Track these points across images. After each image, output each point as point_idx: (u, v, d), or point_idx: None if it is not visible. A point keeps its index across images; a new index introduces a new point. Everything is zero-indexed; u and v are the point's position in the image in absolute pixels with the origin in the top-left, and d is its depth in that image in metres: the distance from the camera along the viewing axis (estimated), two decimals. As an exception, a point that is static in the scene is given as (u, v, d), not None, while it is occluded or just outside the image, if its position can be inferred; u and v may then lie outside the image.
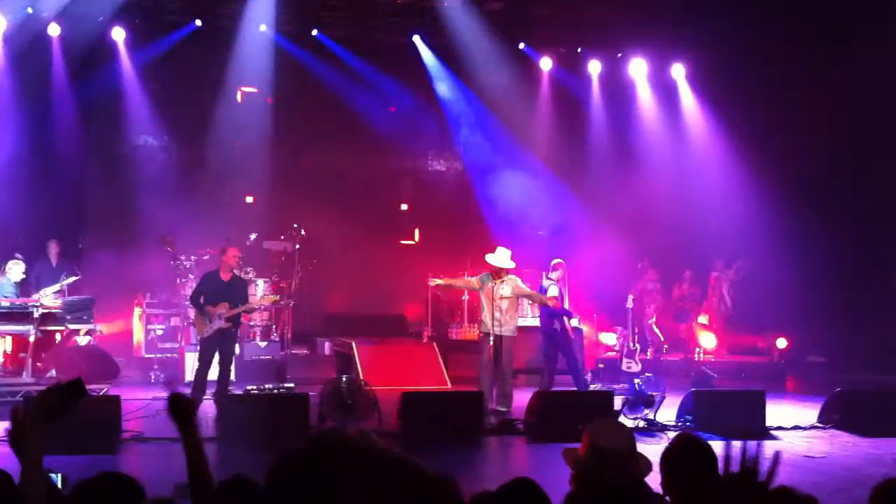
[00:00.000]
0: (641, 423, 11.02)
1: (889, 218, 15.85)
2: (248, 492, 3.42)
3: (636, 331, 15.66)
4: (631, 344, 15.25)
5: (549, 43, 18.15)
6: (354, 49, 17.59)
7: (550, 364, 13.17)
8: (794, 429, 11.39)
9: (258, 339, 15.32)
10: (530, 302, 14.72)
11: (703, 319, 17.43)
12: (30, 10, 15.40)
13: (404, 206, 19.45)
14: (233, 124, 16.84)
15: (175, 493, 5.72)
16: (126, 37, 16.33)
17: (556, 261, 13.46)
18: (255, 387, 11.52)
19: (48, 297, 13.21)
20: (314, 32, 17.34)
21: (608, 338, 16.54)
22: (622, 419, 10.81)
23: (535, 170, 18.19)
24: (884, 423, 10.93)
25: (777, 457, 3.47)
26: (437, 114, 18.56)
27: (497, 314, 12.15)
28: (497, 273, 12.29)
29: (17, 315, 12.57)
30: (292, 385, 12.14)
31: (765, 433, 11.02)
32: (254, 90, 17.26)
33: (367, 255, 17.55)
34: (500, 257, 12.30)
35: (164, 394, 3.42)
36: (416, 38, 17.84)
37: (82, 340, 13.59)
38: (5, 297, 12.96)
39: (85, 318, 13.44)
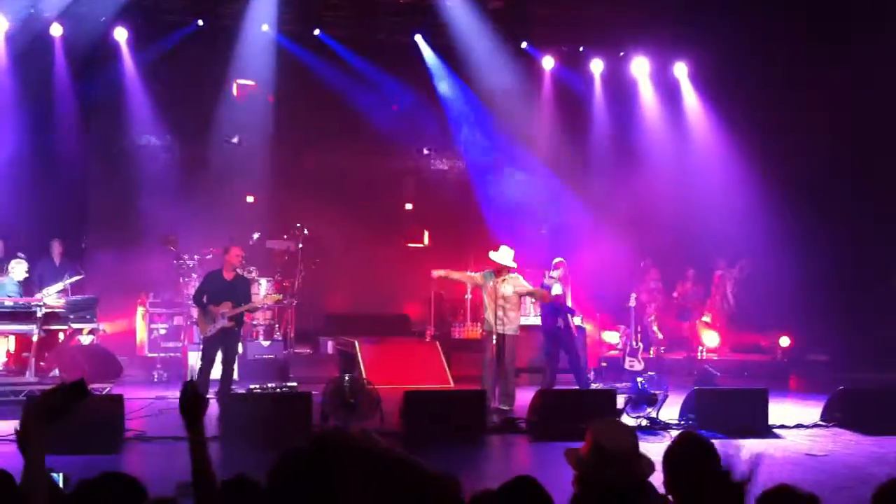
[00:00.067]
0: (644, 422, 11.02)
1: (889, 218, 15.85)
2: (251, 491, 3.43)
3: (639, 329, 15.67)
4: (633, 343, 15.27)
5: (550, 42, 18.15)
6: (356, 48, 17.60)
7: (552, 363, 13.18)
8: (797, 427, 11.39)
9: (261, 338, 15.33)
10: (532, 301, 14.73)
11: (706, 318, 17.43)
12: (32, 11, 15.40)
13: (409, 206, 19.43)
14: (235, 124, 16.85)
15: (177, 493, 5.73)
16: (128, 37, 16.35)
17: (557, 259, 13.46)
18: (257, 386, 11.54)
19: (51, 297, 13.22)
20: (316, 32, 17.35)
21: (611, 336, 16.54)
22: (625, 418, 10.83)
23: (536, 169, 18.20)
24: (886, 422, 10.93)
25: (757, 459, 3.49)
26: (438, 113, 18.56)
27: (500, 313, 12.15)
28: (499, 271, 12.29)
29: (21, 314, 12.58)
30: (295, 384, 12.16)
31: (767, 431, 11.04)
32: (250, 83, 17.23)
33: (369, 254, 17.56)
34: (503, 255, 12.31)
35: (175, 393, 3.44)
36: (418, 38, 17.84)
37: (85, 340, 13.60)
38: (8, 296, 12.97)
39: (88, 317, 13.46)
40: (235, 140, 15.91)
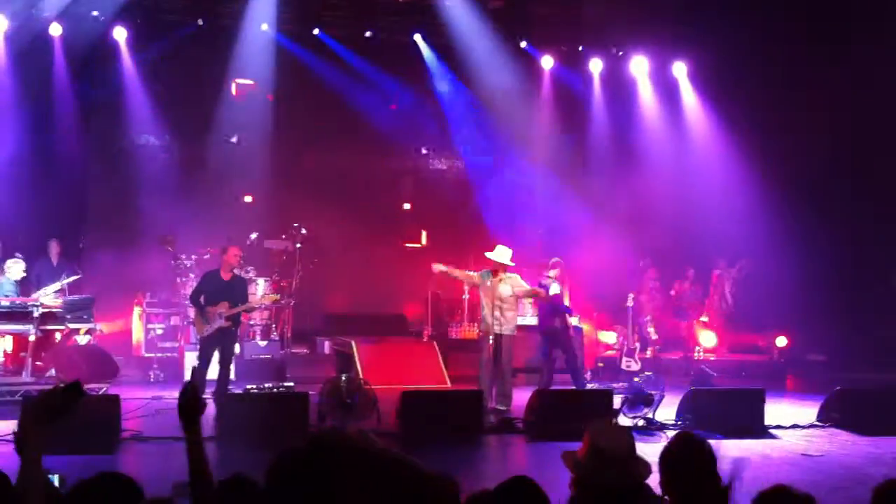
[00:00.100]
0: (641, 423, 11.02)
1: (889, 218, 15.86)
2: (248, 491, 3.43)
3: (636, 330, 15.67)
4: (631, 343, 15.27)
5: (550, 41, 18.16)
6: (355, 48, 17.60)
7: (549, 363, 13.18)
8: (794, 427, 11.39)
9: (258, 338, 15.32)
10: (530, 301, 14.72)
11: (704, 318, 17.43)
12: (32, 10, 15.39)
13: (407, 206, 19.43)
14: (234, 123, 16.84)
15: (173, 493, 5.73)
16: (127, 36, 16.33)
17: (553, 259, 13.48)
18: (254, 386, 11.53)
19: (48, 297, 13.21)
20: (315, 31, 17.34)
21: (608, 336, 16.55)
22: (621, 418, 10.83)
23: (535, 168, 18.20)
24: (883, 422, 10.93)
25: (742, 463, 3.51)
26: (437, 112, 18.56)
27: (497, 313, 12.15)
28: (496, 271, 12.28)
29: (18, 314, 12.57)
30: (292, 384, 12.14)
31: (764, 432, 11.04)
32: (249, 83, 17.22)
33: (367, 254, 17.55)
34: (500, 254, 12.30)
35: (172, 393, 3.46)
36: (417, 37, 17.84)
37: (82, 340, 13.58)
38: (6, 296, 12.97)
39: (85, 317, 13.45)
40: (234, 139, 15.90)
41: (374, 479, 2.52)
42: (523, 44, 18.05)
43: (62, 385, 3.02)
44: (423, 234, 19.03)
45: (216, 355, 11.57)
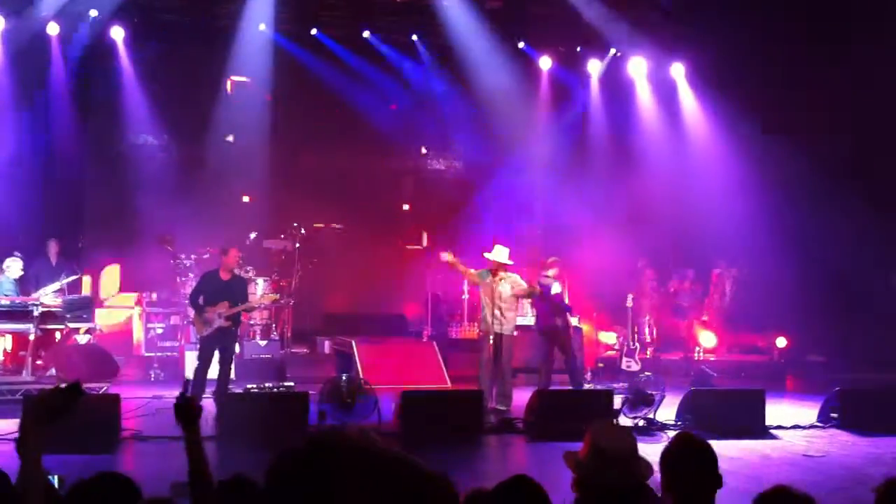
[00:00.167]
0: (641, 423, 11.01)
1: (889, 218, 15.85)
2: (248, 491, 3.43)
3: (636, 330, 15.66)
4: (630, 343, 15.27)
5: (548, 42, 18.15)
6: (353, 48, 17.58)
7: (547, 363, 13.16)
8: (794, 428, 11.39)
9: (258, 337, 15.31)
10: (529, 301, 14.70)
11: (704, 317, 17.42)
12: (29, 9, 15.38)
13: (406, 206, 19.42)
14: (232, 123, 16.84)
15: (172, 492, 5.72)
16: (125, 36, 16.31)
17: (551, 259, 13.48)
18: (255, 385, 11.52)
19: (48, 296, 13.21)
20: (313, 31, 17.33)
21: (608, 337, 16.54)
22: (622, 419, 10.83)
23: (534, 169, 18.19)
24: (883, 422, 10.95)
25: None
26: (436, 113, 18.55)
27: (497, 313, 12.14)
28: (495, 271, 12.27)
29: (17, 313, 12.57)
30: (292, 384, 12.14)
31: (764, 432, 11.03)
32: (243, 79, 17.20)
33: (367, 253, 17.54)
34: (498, 254, 12.29)
35: (171, 392, 3.46)
36: (416, 38, 17.83)
37: (82, 339, 13.58)
38: (5, 295, 12.97)
39: (84, 316, 13.45)
40: (230, 138, 15.86)
41: (375, 478, 2.51)
42: (521, 44, 18.04)
43: (62, 385, 3.02)
44: (423, 234, 19.02)
45: (216, 355, 11.56)
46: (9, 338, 12.97)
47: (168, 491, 5.81)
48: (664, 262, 18.00)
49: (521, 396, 11.77)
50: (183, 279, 14.93)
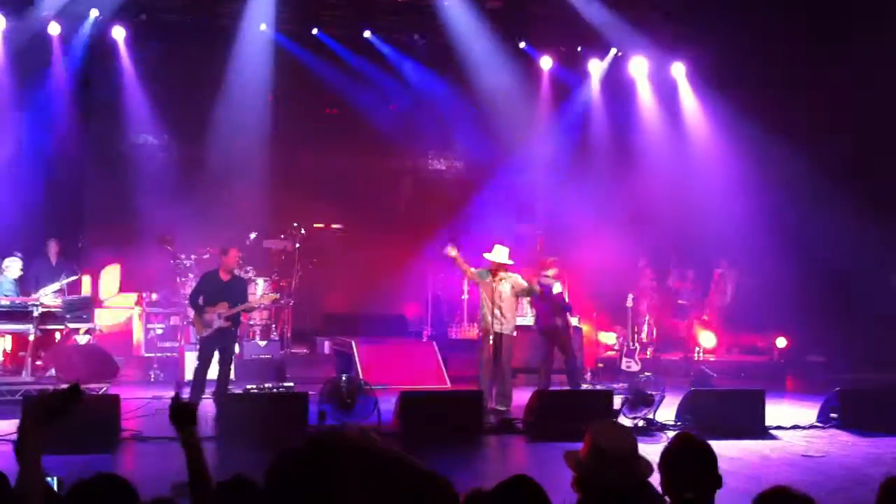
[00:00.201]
0: (641, 423, 11.01)
1: (889, 218, 15.84)
2: (248, 491, 3.43)
3: (636, 330, 15.66)
4: (630, 343, 15.26)
5: (549, 42, 18.14)
6: (354, 48, 17.58)
7: (547, 363, 13.16)
8: (794, 428, 11.39)
9: (258, 338, 15.31)
10: (529, 301, 14.69)
11: (705, 316, 17.42)
12: (30, 9, 15.39)
13: (406, 206, 19.41)
14: (233, 123, 16.82)
15: (172, 493, 5.72)
16: (126, 36, 16.32)
17: (550, 258, 13.48)
18: (254, 386, 11.53)
19: (48, 296, 13.21)
20: (314, 31, 17.33)
21: (608, 337, 16.54)
22: (622, 419, 10.82)
23: (534, 169, 18.18)
24: (883, 423, 10.95)
25: None
26: (436, 113, 18.55)
27: (497, 312, 12.14)
28: (495, 271, 12.27)
29: (17, 314, 12.57)
30: (292, 384, 12.15)
31: (764, 433, 11.03)
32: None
33: (367, 253, 17.53)
34: (498, 254, 12.29)
35: (170, 393, 3.44)
36: (416, 37, 17.82)
37: (82, 339, 13.58)
38: (5, 295, 12.96)
39: (84, 317, 13.45)
40: (253, 236, 15.73)
41: (374, 478, 2.52)
42: (522, 44, 18.04)
43: (62, 387, 3.02)
44: (423, 234, 18.99)
45: (216, 355, 11.56)
46: (8, 338, 12.97)
47: (168, 491, 5.81)
48: (664, 261, 17.99)
49: (521, 397, 11.77)
50: (183, 279, 14.92)
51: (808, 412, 12.17)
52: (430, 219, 18.71)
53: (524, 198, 18.18)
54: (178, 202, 15.64)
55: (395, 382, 12.83)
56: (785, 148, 16.09)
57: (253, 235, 15.75)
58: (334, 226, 17.73)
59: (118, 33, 16.21)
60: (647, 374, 12.78)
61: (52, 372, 12.67)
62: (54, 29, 15.63)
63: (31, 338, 12.44)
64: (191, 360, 12.92)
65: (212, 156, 16.94)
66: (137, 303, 15.75)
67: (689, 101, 18.15)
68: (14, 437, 2.99)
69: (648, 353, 16.17)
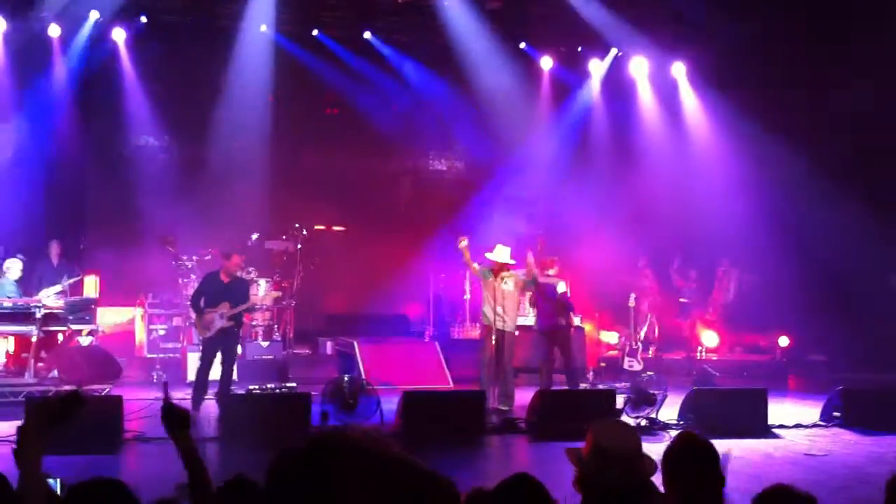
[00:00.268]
0: (643, 422, 11.01)
1: (889, 218, 15.84)
2: (250, 491, 3.43)
3: (637, 329, 15.65)
4: (633, 343, 15.25)
5: (549, 42, 18.15)
6: (354, 49, 17.59)
7: (548, 363, 13.16)
8: (796, 427, 11.39)
9: (260, 338, 15.32)
10: (529, 300, 14.68)
11: (707, 315, 17.41)
12: (30, 11, 15.40)
13: (407, 206, 19.41)
14: (233, 124, 16.83)
15: (176, 494, 5.72)
16: (126, 37, 16.33)
17: (550, 258, 13.48)
18: (257, 386, 11.53)
19: (50, 298, 13.21)
20: (315, 32, 17.34)
21: (610, 336, 16.53)
22: (624, 418, 10.82)
23: (535, 169, 18.17)
24: (886, 421, 10.95)
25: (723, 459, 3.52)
26: (436, 113, 18.55)
27: (499, 310, 12.15)
28: (497, 271, 12.27)
29: (20, 315, 12.57)
30: (294, 385, 12.16)
31: (766, 432, 11.04)
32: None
33: (368, 254, 17.53)
34: (499, 254, 12.29)
35: (181, 393, 3.43)
36: (416, 38, 17.82)
37: (84, 341, 13.59)
38: (7, 297, 12.97)
39: (87, 318, 13.45)
40: (255, 237, 15.75)
41: (375, 478, 2.52)
42: (522, 44, 18.05)
43: (65, 391, 3.02)
44: (424, 234, 18.99)
45: (219, 356, 11.56)
46: (11, 340, 12.97)
47: (172, 492, 5.81)
48: (667, 260, 17.99)
49: (523, 396, 11.77)
50: (185, 280, 14.93)
51: (810, 411, 12.17)
52: (431, 219, 18.71)
53: (524, 198, 18.17)
54: (180, 203, 15.64)
55: (398, 382, 12.84)
56: (785, 148, 16.09)
57: (255, 236, 15.77)
58: (336, 227, 17.72)
59: (118, 35, 16.22)
60: (649, 373, 12.80)
61: (55, 373, 12.68)
62: (54, 31, 15.65)
63: (34, 339, 12.45)
64: (193, 361, 12.94)
65: (213, 157, 16.95)
66: (139, 304, 15.74)
67: (689, 100, 18.16)
68: (14, 440, 2.98)
69: (651, 352, 16.16)
